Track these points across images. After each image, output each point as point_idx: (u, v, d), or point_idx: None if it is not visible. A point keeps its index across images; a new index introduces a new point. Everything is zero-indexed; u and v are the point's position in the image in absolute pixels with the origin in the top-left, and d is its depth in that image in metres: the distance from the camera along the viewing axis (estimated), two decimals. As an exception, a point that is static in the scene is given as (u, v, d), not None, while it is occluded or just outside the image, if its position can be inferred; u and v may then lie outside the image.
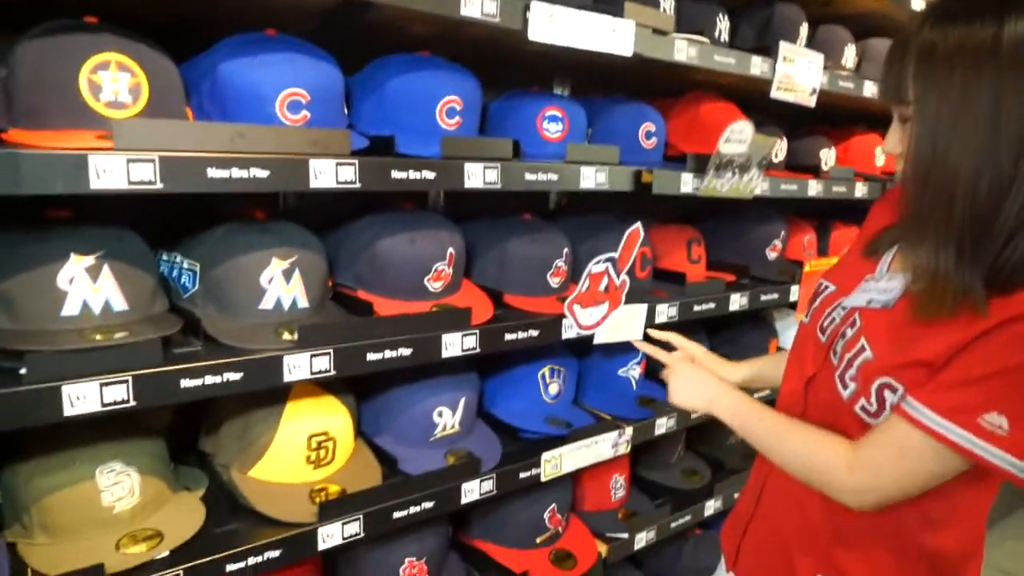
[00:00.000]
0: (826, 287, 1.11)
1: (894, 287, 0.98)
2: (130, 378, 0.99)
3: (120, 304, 1.05)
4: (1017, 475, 0.85)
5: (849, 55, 2.09)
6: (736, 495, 2.02)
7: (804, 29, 1.95)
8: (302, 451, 1.24)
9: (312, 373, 1.14)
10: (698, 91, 1.88)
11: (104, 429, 1.10)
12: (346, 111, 1.32)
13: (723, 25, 1.80)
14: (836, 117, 2.45)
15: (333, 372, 1.17)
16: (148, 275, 1.11)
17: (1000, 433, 0.84)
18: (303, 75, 1.15)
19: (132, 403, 0.99)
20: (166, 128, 0.99)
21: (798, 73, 1.80)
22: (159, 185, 0.97)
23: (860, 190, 2.15)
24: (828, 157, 2.15)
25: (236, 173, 1.02)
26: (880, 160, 2.36)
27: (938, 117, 0.85)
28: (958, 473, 0.90)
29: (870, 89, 2.03)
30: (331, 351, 1.15)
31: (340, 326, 1.17)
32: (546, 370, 1.60)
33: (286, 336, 1.13)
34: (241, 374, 1.07)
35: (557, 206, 2.01)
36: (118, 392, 0.98)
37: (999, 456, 0.84)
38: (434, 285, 1.35)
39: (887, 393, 0.93)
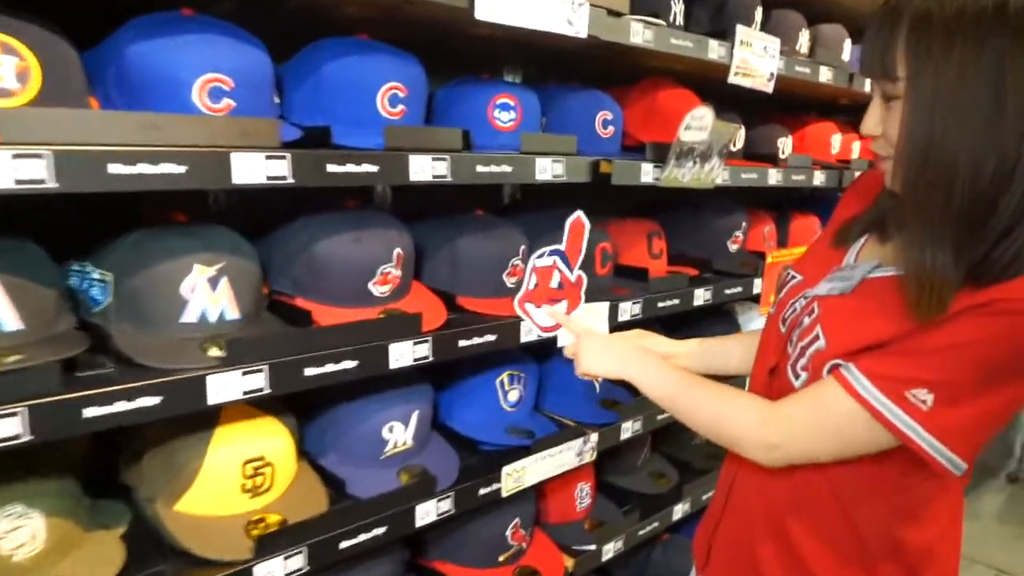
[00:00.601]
0: (792, 277, 1.05)
1: (854, 274, 0.93)
2: (24, 409, 0.85)
3: (13, 323, 0.91)
4: (929, 453, 0.82)
5: (803, 40, 2.04)
6: (705, 496, 1.96)
7: (758, 13, 1.89)
8: (236, 479, 1.11)
9: (244, 393, 1.02)
10: (655, 77, 1.80)
11: (-1, 468, 0.96)
12: (277, 100, 1.20)
13: (678, 8, 1.72)
14: (790, 104, 2.42)
15: (268, 391, 1.04)
16: (48, 289, 0.97)
17: (922, 408, 0.81)
18: (225, 58, 1.02)
19: (28, 438, 0.86)
20: (60, 118, 0.86)
21: (755, 58, 1.74)
22: (53, 184, 0.84)
23: (818, 178, 2.11)
24: (785, 145, 2.11)
25: (145, 169, 0.89)
26: (835, 148, 2.33)
27: (935, 95, 0.77)
28: (878, 449, 0.87)
29: (825, 75, 1.99)
30: (265, 367, 1.03)
31: (275, 339, 1.05)
32: (505, 377, 1.49)
33: (213, 352, 1.01)
34: (159, 399, 0.94)
35: (511, 200, 1.91)
36: (10, 426, 0.84)
37: (914, 429, 0.82)
38: (380, 289, 1.24)
39: None
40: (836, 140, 2.32)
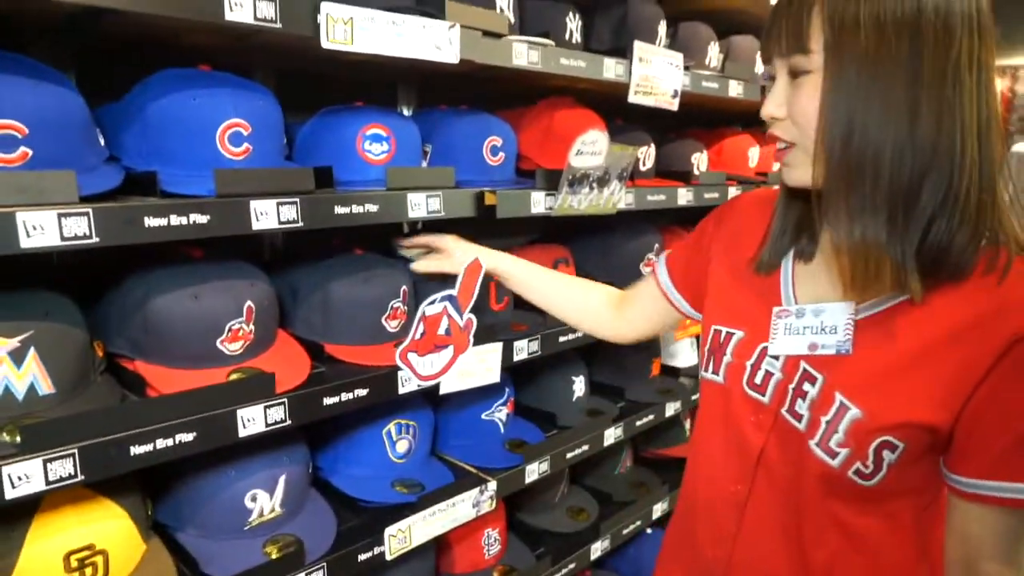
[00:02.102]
0: (729, 334, 0.95)
1: (835, 324, 0.85)
2: None
3: None
4: None
5: (713, 54, 1.98)
6: (627, 531, 1.88)
7: (663, 27, 1.81)
8: (58, 574, 0.98)
9: (49, 483, 0.89)
10: (553, 97, 1.71)
11: None
12: (101, 142, 1.07)
13: (574, 25, 1.64)
14: (709, 118, 2.36)
15: (81, 477, 0.92)
16: None
17: None
18: (15, 101, 0.90)
19: None
20: None
21: (657, 75, 1.67)
22: None
23: (733, 194, 2.05)
24: (700, 161, 2.04)
25: None
26: (753, 161, 2.28)
27: (856, 78, 0.74)
28: None
29: (736, 89, 1.93)
30: (75, 451, 0.91)
31: (83, 419, 0.92)
32: (392, 427, 1.39)
33: (4, 438, 0.88)
34: (-65, 500, 0.81)
35: (412, 231, 1.80)
36: None
37: None
38: (231, 347, 1.12)
39: (886, 453, 0.80)
40: (754, 153, 2.27)
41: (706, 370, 0.99)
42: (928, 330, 0.78)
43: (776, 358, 0.90)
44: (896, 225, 0.75)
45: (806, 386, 0.86)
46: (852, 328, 0.83)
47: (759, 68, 2.16)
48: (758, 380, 0.91)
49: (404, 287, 1.34)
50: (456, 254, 1.36)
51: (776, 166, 2.43)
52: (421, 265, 1.41)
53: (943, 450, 0.82)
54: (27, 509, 0.98)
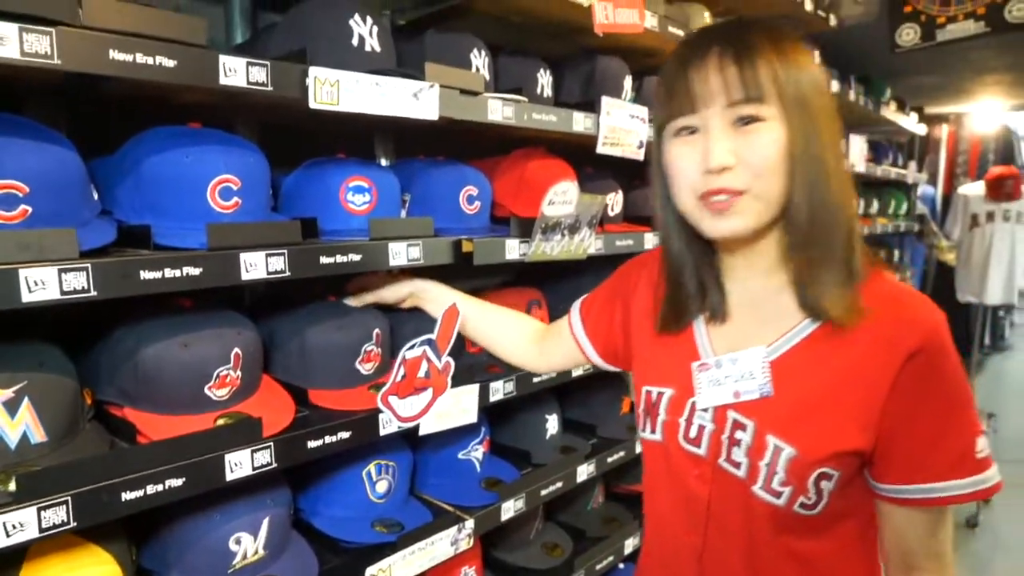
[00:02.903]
0: (660, 394, 1.00)
1: (752, 369, 0.90)
2: None
3: None
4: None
5: (676, 105, 2.09)
6: (599, 566, 1.92)
7: (628, 82, 1.92)
8: (46, 621, 1.00)
9: (42, 531, 0.92)
10: (526, 148, 1.80)
11: None
12: (95, 196, 1.12)
13: (545, 80, 1.74)
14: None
15: (74, 524, 0.94)
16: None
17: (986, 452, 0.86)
18: (17, 161, 0.94)
19: None
20: None
21: (624, 127, 1.77)
22: None
23: (698, 238, 2.14)
24: (665, 206, 2.14)
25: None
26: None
27: (809, 125, 0.84)
28: None
29: (697, 139, 2.03)
30: (68, 499, 0.93)
31: (78, 467, 0.95)
32: (372, 467, 1.42)
33: (8, 487, 0.90)
34: (-70, 550, 0.83)
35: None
36: None
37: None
38: (218, 393, 1.16)
39: (824, 483, 0.86)
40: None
41: (643, 430, 1.04)
42: (837, 360, 0.86)
43: (706, 411, 0.94)
44: (844, 264, 0.87)
45: (739, 434, 0.91)
46: (769, 370, 0.89)
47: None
48: (692, 434, 0.96)
49: (377, 330, 1.39)
50: (389, 286, 1.44)
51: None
52: (355, 300, 1.44)
53: (868, 465, 0.89)
54: (16, 557, 1.00)
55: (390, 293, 1.44)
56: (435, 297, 1.44)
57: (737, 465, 0.91)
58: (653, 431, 1.01)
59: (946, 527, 0.89)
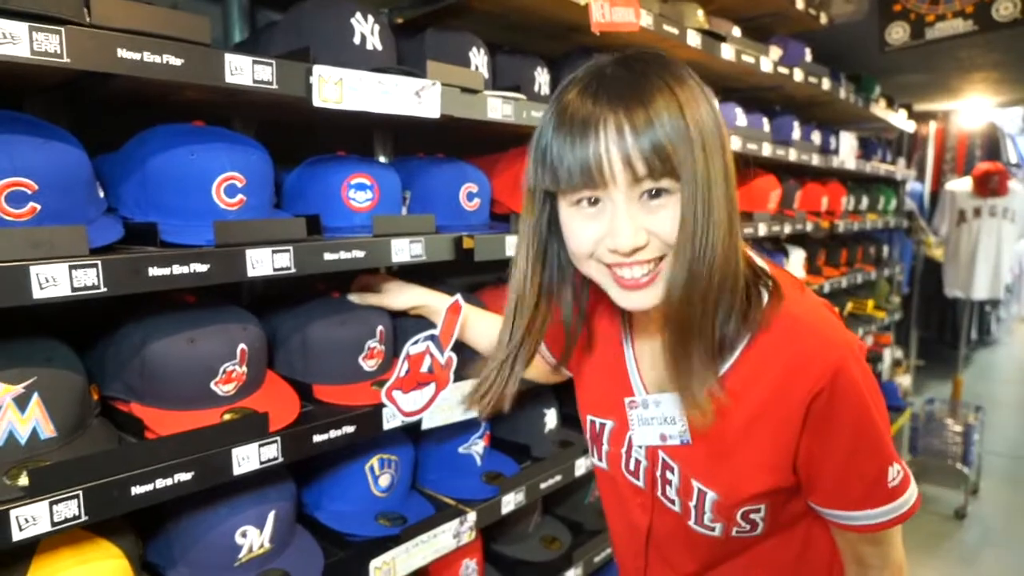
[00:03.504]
0: (602, 424, 1.02)
1: (673, 414, 0.92)
2: None
3: None
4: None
5: (670, 103, 2.11)
6: (596, 558, 1.95)
7: (624, 79, 1.94)
8: (56, 615, 1.01)
9: (54, 525, 0.93)
10: (523, 145, 1.81)
11: None
12: (101, 195, 1.13)
13: (542, 78, 1.76)
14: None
15: (85, 518, 0.95)
16: None
17: (900, 478, 0.88)
18: (26, 159, 0.95)
19: None
20: None
21: (620, 124, 1.78)
22: None
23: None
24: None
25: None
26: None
27: (709, 193, 0.77)
28: None
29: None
30: (79, 493, 0.94)
31: (89, 462, 0.96)
32: (375, 461, 1.44)
33: (20, 481, 0.91)
34: (-56, 544, 0.84)
35: (388, 272, 1.87)
36: None
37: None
38: (224, 389, 1.17)
39: (753, 515, 0.90)
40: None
41: (592, 456, 1.08)
42: (746, 406, 0.86)
43: (640, 447, 0.97)
44: (713, 321, 0.81)
45: (668, 474, 0.94)
46: (686, 418, 0.90)
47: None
48: (631, 467, 0.99)
49: (381, 327, 1.41)
50: (396, 294, 1.44)
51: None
52: (358, 298, 1.43)
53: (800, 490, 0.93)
54: (26, 551, 1.01)
55: (395, 303, 1.43)
56: (440, 311, 1.39)
57: (672, 501, 0.95)
58: (600, 459, 1.05)
59: (888, 540, 0.92)
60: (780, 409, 0.85)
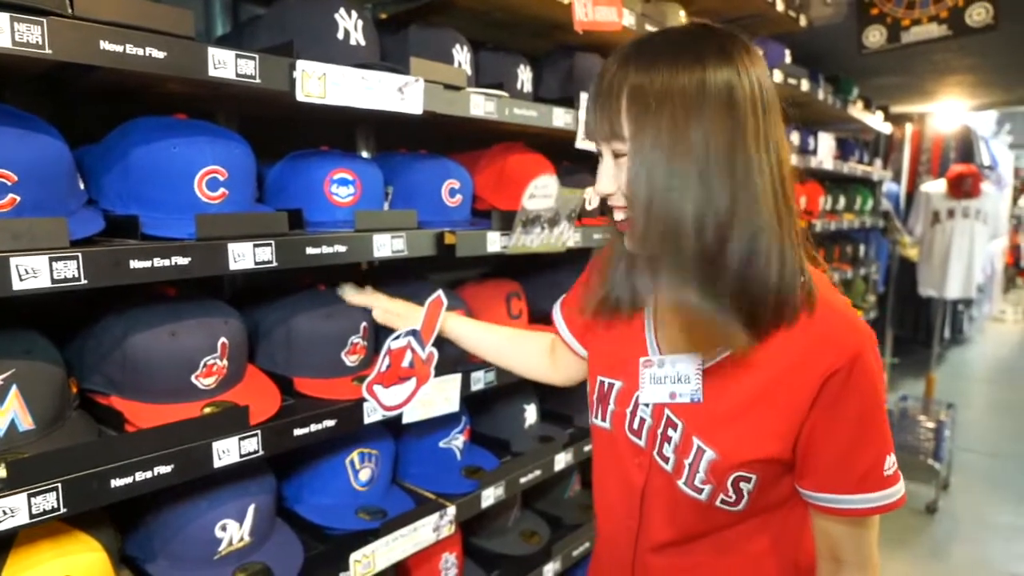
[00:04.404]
0: (611, 384, 1.05)
1: (687, 373, 0.95)
2: None
3: None
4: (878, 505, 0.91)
5: (652, 102, 2.13)
6: (575, 552, 1.97)
7: (606, 78, 1.95)
8: (34, 608, 1.00)
9: (33, 517, 0.93)
10: (506, 142, 1.82)
11: None
12: (81, 186, 1.12)
13: (525, 76, 1.77)
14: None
15: (64, 510, 0.95)
16: None
17: (894, 470, 0.92)
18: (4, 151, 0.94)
19: None
20: None
21: (602, 123, 1.80)
22: None
23: (672, 232, 2.19)
24: (641, 201, 2.18)
25: None
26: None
27: (655, 158, 0.84)
28: None
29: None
30: (58, 485, 0.94)
31: (69, 454, 0.96)
32: (355, 456, 1.45)
33: (-3, 473, 0.91)
34: (-79, 536, 0.84)
35: (369, 267, 1.88)
36: None
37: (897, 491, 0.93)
38: (205, 382, 1.17)
39: (742, 484, 0.92)
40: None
41: (595, 417, 1.10)
42: (763, 373, 0.91)
43: (647, 406, 1.00)
44: (708, 288, 0.85)
45: (670, 431, 0.97)
46: (701, 377, 0.95)
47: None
48: (635, 426, 1.02)
49: (364, 323, 1.41)
50: (409, 318, 1.40)
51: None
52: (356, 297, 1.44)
53: (792, 469, 0.95)
54: (4, 544, 1.00)
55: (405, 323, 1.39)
56: (459, 333, 1.43)
57: (666, 460, 0.97)
58: (603, 420, 1.07)
59: (869, 533, 0.95)
60: (796, 380, 0.89)
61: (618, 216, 0.93)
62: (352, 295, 1.43)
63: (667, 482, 0.98)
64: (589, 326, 1.18)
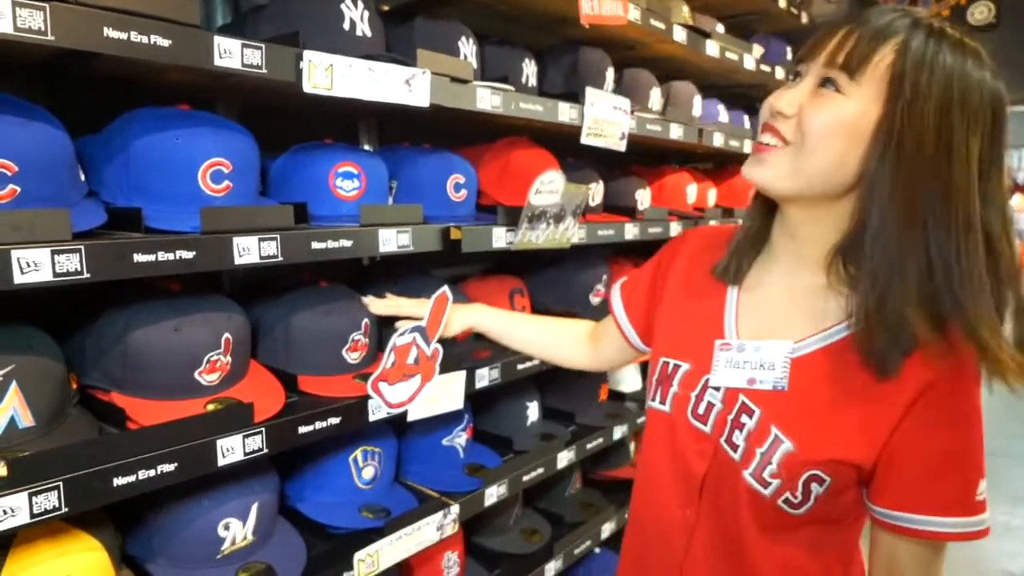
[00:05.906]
0: (676, 366, 1.00)
1: (773, 360, 0.90)
2: None
3: None
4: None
5: (654, 98, 2.12)
6: (577, 551, 1.95)
7: (610, 73, 1.94)
8: (34, 609, 0.98)
9: (33, 516, 0.90)
10: (510, 137, 1.80)
11: None
12: (82, 178, 1.10)
13: (530, 70, 1.75)
14: (644, 152, 2.50)
15: (65, 510, 0.93)
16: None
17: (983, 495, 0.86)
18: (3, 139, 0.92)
19: None
20: None
21: (607, 118, 1.79)
22: None
23: (675, 229, 2.18)
24: (644, 197, 2.17)
25: None
26: (691, 197, 2.43)
27: (920, 147, 0.79)
28: None
29: (676, 132, 2.07)
30: (60, 484, 0.92)
31: (71, 451, 0.93)
32: (358, 453, 1.42)
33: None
34: (-80, 536, 0.81)
35: (371, 262, 1.85)
36: None
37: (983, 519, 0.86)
38: (208, 378, 1.14)
39: (814, 485, 0.86)
40: (692, 190, 2.42)
41: (653, 399, 1.04)
42: (859, 371, 0.84)
43: (717, 389, 0.95)
44: (924, 284, 0.80)
45: (744, 418, 0.91)
46: (789, 366, 0.90)
47: (696, 111, 2.33)
48: (701, 411, 0.96)
49: (366, 320, 1.38)
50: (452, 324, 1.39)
51: (711, 202, 2.59)
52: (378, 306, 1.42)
53: (866, 483, 0.88)
54: (3, 543, 0.98)
55: (450, 330, 1.38)
56: (488, 326, 1.41)
57: (735, 448, 0.91)
58: (663, 402, 1.01)
59: (940, 561, 0.89)
60: (896, 385, 0.83)
61: (766, 139, 0.87)
62: (376, 305, 1.40)
63: (731, 472, 0.92)
64: (651, 308, 1.14)
